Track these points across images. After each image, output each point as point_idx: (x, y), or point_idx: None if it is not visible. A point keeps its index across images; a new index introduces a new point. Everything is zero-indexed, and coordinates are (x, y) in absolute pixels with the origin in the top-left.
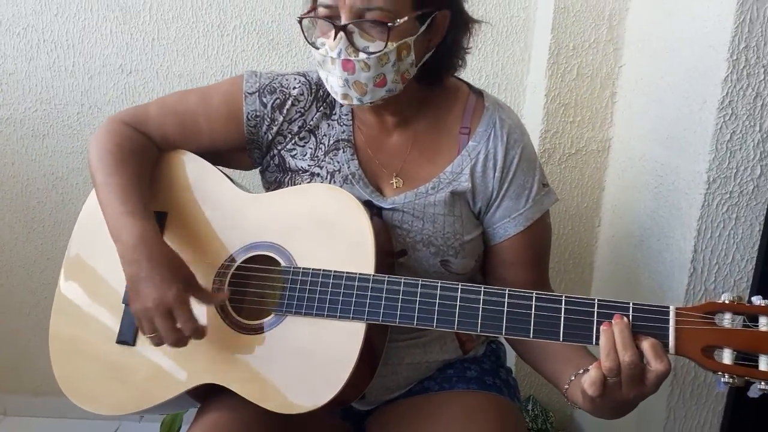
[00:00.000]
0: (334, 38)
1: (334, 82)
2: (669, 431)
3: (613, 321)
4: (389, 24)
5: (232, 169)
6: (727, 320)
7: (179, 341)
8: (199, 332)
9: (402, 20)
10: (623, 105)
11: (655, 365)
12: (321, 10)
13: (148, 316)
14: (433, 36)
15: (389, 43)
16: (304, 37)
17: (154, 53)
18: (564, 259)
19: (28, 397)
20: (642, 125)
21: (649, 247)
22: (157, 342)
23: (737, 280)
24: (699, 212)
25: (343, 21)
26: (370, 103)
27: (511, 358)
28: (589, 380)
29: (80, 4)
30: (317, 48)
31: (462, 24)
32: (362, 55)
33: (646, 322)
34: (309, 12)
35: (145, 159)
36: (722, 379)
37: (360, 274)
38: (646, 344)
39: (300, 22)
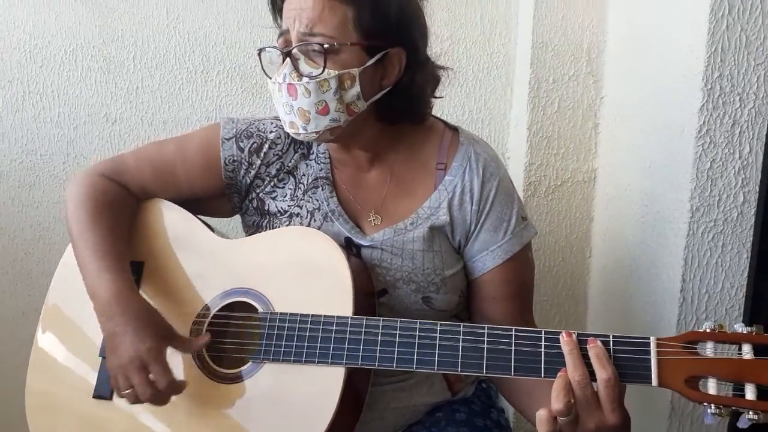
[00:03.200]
0: (282, 64)
1: (281, 111)
2: None
3: (588, 346)
4: (326, 46)
5: (211, 217)
6: (709, 349)
7: (155, 397)
8: (174, 386)
9: (343, 46)
10: (606, 136)
11: (599, 374)
12: (279, 41)
13: (123, 372)
14: (387, 73)
15: (327, 69)
16: (262, 69)
17: (138, 101)
18: (557, 291)
19: None
20: (625, 155)
21: (640, 277)
22: (133, 399)
23: (728, 308)
24: (685, 241)
25: (291, 47)
26: (315, 133)
27: None
28: (538, 419)
29: (64, 55)
30: (269, 77)
31: (420, 67)
32: (305, 80)
33: (627, 354)
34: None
35: (122, 211)
36: (709, 411)
37: (338, 317)
38: (592, 353)
39: (259, 54)
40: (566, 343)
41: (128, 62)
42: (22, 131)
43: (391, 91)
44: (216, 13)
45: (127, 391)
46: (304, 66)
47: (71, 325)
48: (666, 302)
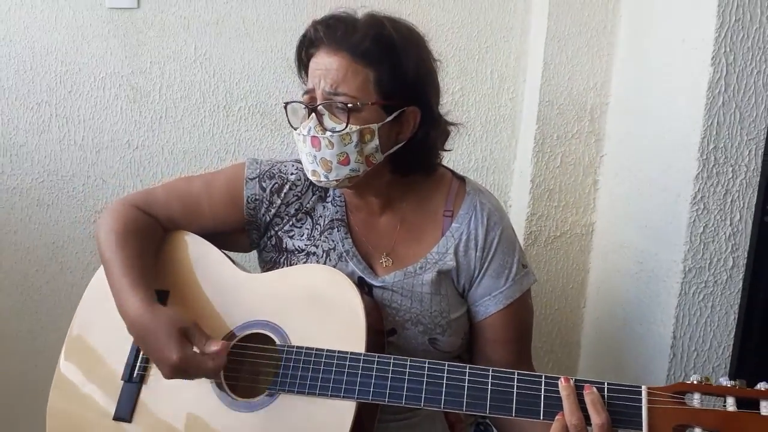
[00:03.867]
0: (307, 118)
1: (304, 159)
2: None
3: (584, 392)
4: (349, 105)
5: (230, 251)
6: (696, 400)
7: (215, 372)
8: (218, 360)
9: (364, 106)
10: (605, 192)
11: (593, 419)
12: (304, 97)
13: (177, 375)
14: (403, 129)
15: (350, 125)
16: (288, 121)
17: (161, 130)
18: (551, 338)
19: None
20: (623, 213)
21: (632, 329)
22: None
23: (715, 366)
24: (677, 300)
25: (315, 104)
26: (336, 181)
27: None
28: None
29: (93, 83)
30: (294, 129)
31: (433, 124)
32: (328, 134)
33: (620, 400)
34: (293, 101)
35: (149, 238)
36: None
37: (351, 353)
38: (588, 399)
39: (285, 107)
40: (564, 388)
41: (154, 93)
42: (46, 152)
43: (405, 144)
44: (242, 53)
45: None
46: (328, 121)
47: (95, 348)
48: (656, 356)
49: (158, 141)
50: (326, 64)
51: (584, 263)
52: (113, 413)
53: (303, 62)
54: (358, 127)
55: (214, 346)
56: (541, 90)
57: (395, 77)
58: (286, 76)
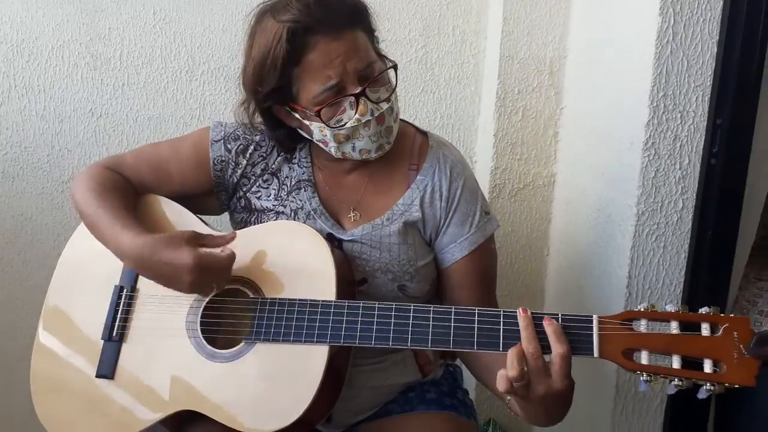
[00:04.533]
0: (356, 108)
1: (364, 145)
2: None
3: (544, 323)
4: (388, 65)
5: (201, 214)
6: (643, 326)
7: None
8: (230, 257)
9: (381, 62)
10: (565, 144)
11: (555, 348)
12: (324, 94)
13: (199, 287)
14: None
15: (391, 83)
16: (325, 125)
17: (124, 97)
18: (516, 287)
19: None
20: (582, 162)
21: (592, 273)
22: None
23: (667, 302)
24: (631, 242)
25: (357, 89)
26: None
27: (470, 381)
28: (498, 379)
29: (51, 51)
30: (340, 127)
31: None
32: (384, 105)
33: (573, 329)
34: (323, 102)
35: (127, 193)
36: (642, 378)
37: (322, 300)
38: (549, 329)
39: (319, 114)
40: (523, 319)
41: (114, 60)
42: (7, 123)
43: None
44: (202, 15)
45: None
46: (372, 93)
47: (73, 312)
48: (614, 297)
49: (122, 108)
50: (339, 48)
51: (546, 213)
52: (95, 372)
53: (292, 58)
54: (394, 80)
55: (223, 234)
56: (501, 45)
57: (373, 31)
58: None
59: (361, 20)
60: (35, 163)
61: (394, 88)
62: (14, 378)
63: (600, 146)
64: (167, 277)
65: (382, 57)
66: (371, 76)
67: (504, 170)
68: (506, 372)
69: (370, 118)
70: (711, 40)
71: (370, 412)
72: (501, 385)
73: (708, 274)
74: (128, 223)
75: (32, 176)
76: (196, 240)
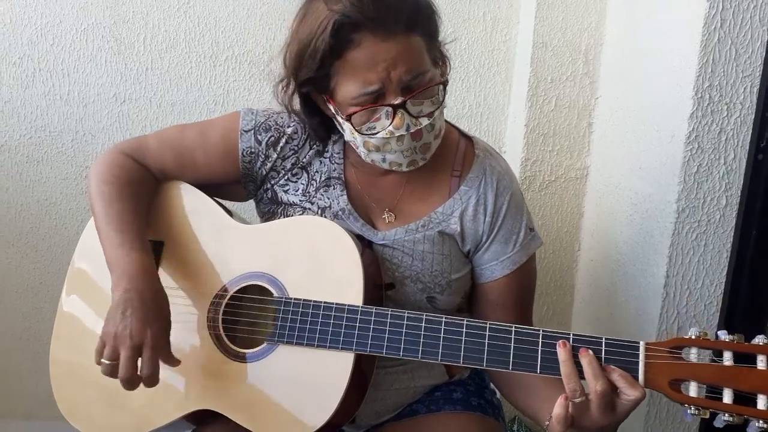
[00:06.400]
0: (392, 119)
1: (395, 158)
2: None
3: (579, 355)
4: (442, 82)
5: (226, 200)
6: (693, 355)
7: (131, 380)
8: (153, 380)
9: (435, 72)
10: (599, 135)
11: (631, 393)
12: (362, 98)
13: (115, 343)
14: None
15: (439, 97)
16: (355, 131)
17: (147, 82)
18: (546, 282)
19: (19, 422)
20: (617, 155)
21: (626, 271)
22: (109, 372)
23: (707, 303)
24: (670, 240)
25: (398, 100)
26: (431, 155)
27: None
28: (555, 417)
29: (75, 35)
30: (371, 135)
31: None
32: (424, 121)
33: (618, 356)
34: (358, 105)
35: (143, 190)
36: (689, 411)
37: (349, 305)
38: (617, 375)
39: (349, 119)
40: (561, 353)
41: (138, 44)
42: (32, 107)
43: None
44: (226, 0)
45: (108, 363)
46: (412, 108)
47: (94, 296)
48: (649, 296)
49: (145, 93)
50: (390, 51)
51: (578, 207)
52: None
53: (335, 52)
54: (442, 96)
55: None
56: (534, 31)
57: (433, 36)
58: (272, 24)
59: (419, 24)
60: (59, 148)
61: (441, 103)
62: (40, 362)
63: (638, 139)
64: (116, 314)
65: (438, 65)
66: (416, 88)
67: (535, 162)
68: (557, 411)
69: (404, 133)
70: (762, 28)
71: (395, 413)
72: (558, 425)
73: (751, 275)
74: (130, 240)
75: (56, 161)
76: (167, 331)
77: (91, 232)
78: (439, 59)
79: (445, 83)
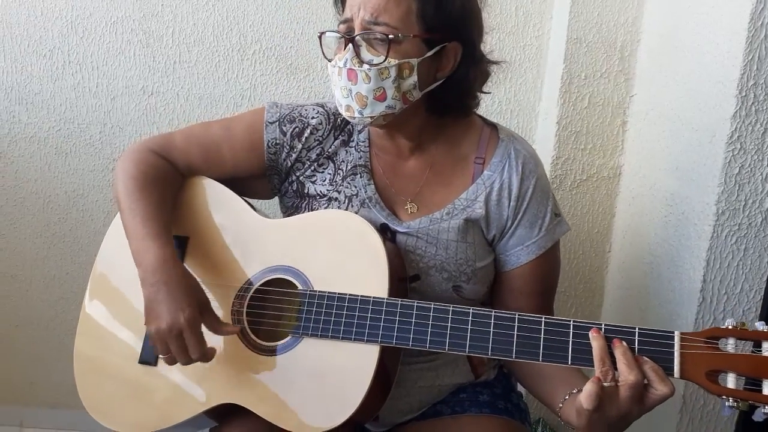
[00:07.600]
0: (344, 49)
1: (338, 94)
2: None
3: (612, 346)
4: (390, 36)
5: (251, 198)
6: (731, 345)
7: (191, 362)
8: (206, 356)
9: (405, 38)
10: (634, 134)
11: (661, 388)
12: (340, 27)
13: (162, 338)
14: (443, 66)
15: (389, 59)
16: (322, 52)
17: (175, 76)
18: (575, 283)
19: (44, 410)
20: (652, 155)
21: (659, 274)
22: (171, 362)
23: (746, 310)
24: (708, 243)
25: (353, 35)
26: (370, 117)
27: None
28: (585, 393)
29: (105, 27)
30: (329, 62)
31: (473, 62)
32: (365, 67)
33: (652, 346)
34: (330, 30)
35: (168, 186)
36: (727, 404)
37: (374, 297)
38: (648, 367)
39: (320, 37)
40: (594, 339)
41: (167, 37)
42: (61, 99)
43: (444, 83)
44: None
45: (164, 357)
46: (366, 53)
47: (118, 292)
48: (684, 301)
49: (173, 87)
50: None
51: (610, 207)
52: (138, 357)
53: None
54: (397, 61)
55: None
56: (568, 26)
57: (439, 9)
58: (301, 18)
59: None
60: (87, 140)
61: (393, 68)
62: (66, 352)
63: (675, 138)
64: (152, 311)
65: (430, 43)
66: (372, 31)
67: (566, 160)
68: (589, 387)
69: (342, 66)
70: None
71: (419, 412)
72: (588, 400)
73: None
74: (156, 233)
75: (85, 153)
76: (203, 312)
77: (115, 230)
78: (438, 42)
79: (390, 41)
